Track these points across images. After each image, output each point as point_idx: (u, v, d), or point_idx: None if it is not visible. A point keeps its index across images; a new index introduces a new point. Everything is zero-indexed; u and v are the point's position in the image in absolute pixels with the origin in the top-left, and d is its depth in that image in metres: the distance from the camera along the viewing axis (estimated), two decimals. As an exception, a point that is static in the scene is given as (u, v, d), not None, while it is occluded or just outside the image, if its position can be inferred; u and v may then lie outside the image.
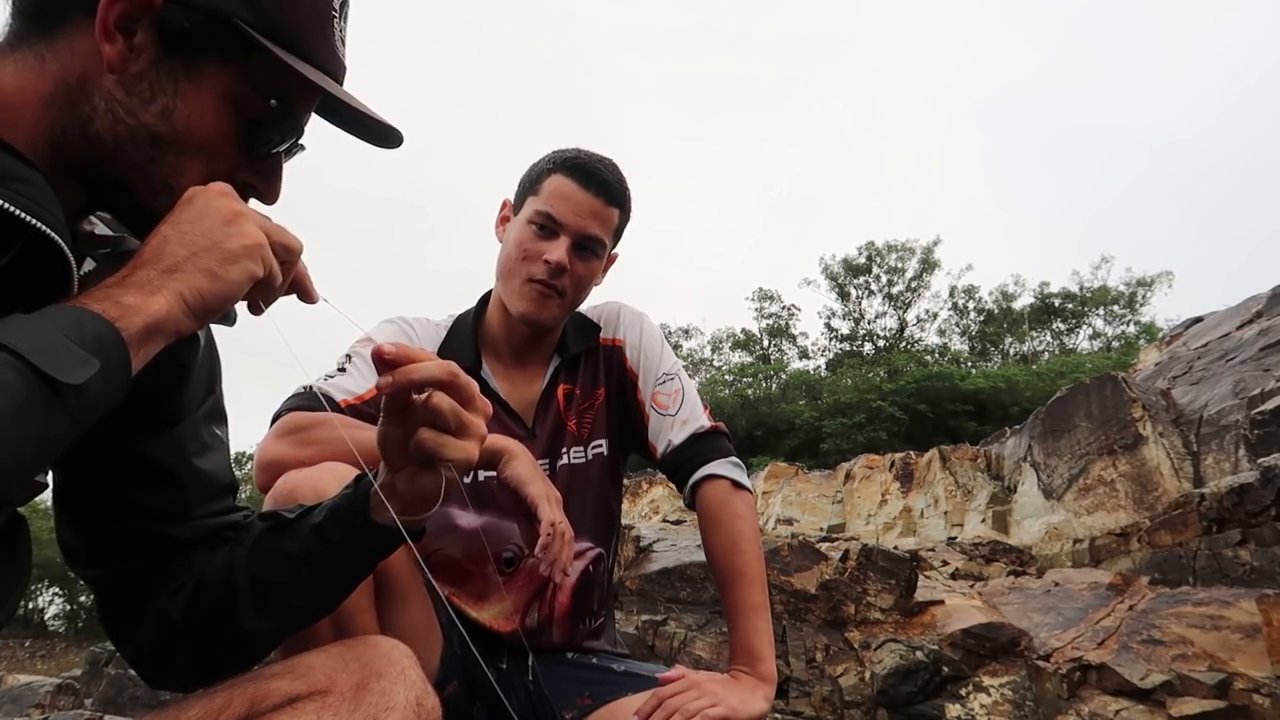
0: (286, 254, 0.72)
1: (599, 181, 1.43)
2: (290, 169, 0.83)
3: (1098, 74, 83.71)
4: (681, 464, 1.48)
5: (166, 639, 0.84)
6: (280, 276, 0.72)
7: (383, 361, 0.73)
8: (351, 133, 0.83)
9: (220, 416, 0.91)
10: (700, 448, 1.48)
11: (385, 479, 0.81)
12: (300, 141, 0.81)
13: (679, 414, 1.50)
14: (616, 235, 1.51)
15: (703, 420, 1.50)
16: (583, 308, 1.60)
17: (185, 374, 0.83)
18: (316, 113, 0.82)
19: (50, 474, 0.70)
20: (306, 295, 0.76)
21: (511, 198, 1.53)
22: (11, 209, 0.60)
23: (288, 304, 0.78)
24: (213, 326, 0.87)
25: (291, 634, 0.88)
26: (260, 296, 0.72)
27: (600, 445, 1.55)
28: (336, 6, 0.78)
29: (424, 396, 0.74)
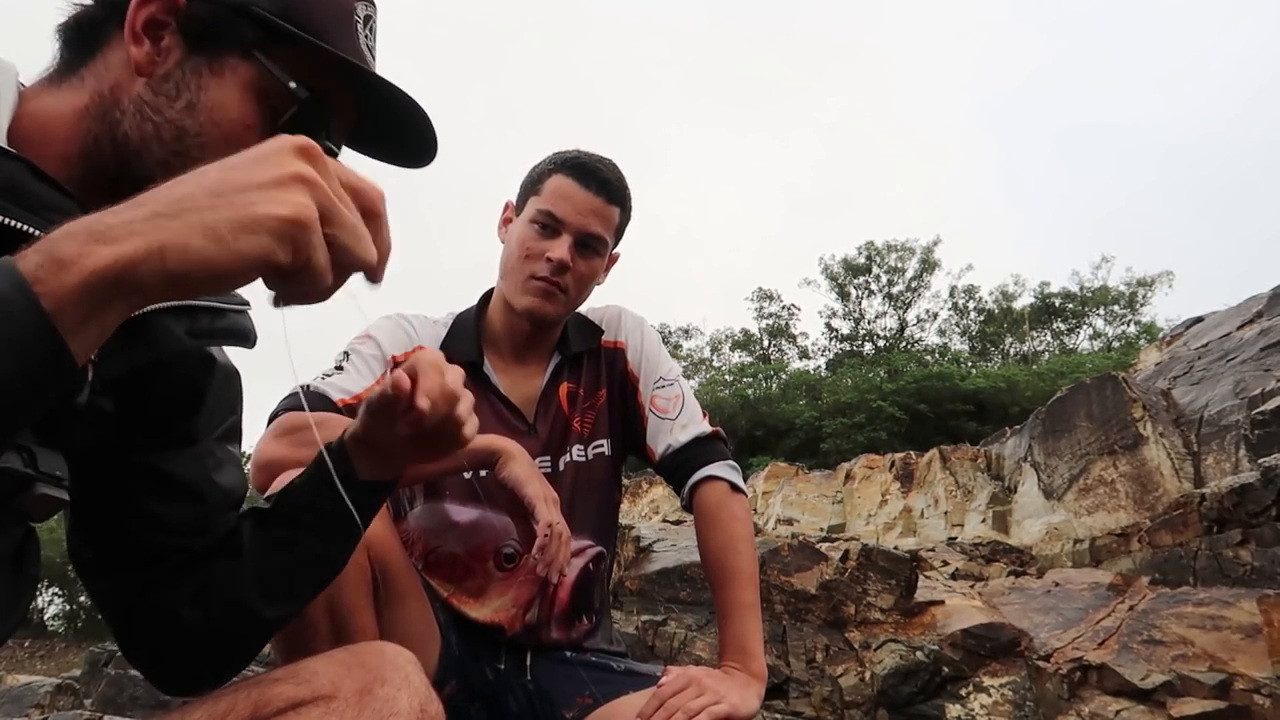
0: (344, 254, 0.55)
1: (599, 180, 1.46)
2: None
3: (1110, 76, 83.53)
4: (681, 464, 1.51)
5: (190, 646, 0.85)
6: (318, 271, 0.54)
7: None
8: (385, 149, 0.84)
9: (236, 435, 0.92)
10: (700, 450, 1.51)
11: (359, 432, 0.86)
12: (331, 145, 0.81)
13: (679, 418, 1.53)
14: (618, 234, 1.54)
15: (703, 425, 1.54)
16: (584, 310, 1.62)
17: (201, 396, 0.83)
18: (349, 144, 0.83)
19: (67, 492, 0.69)
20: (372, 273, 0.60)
21: (514, 199, 1.56)
22: None
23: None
24: (230, 349, 0.88)
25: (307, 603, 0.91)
26: (282, 288, 0.55)
27: (602, 445, 1.57)
28: (360, 16, 0.80)
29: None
